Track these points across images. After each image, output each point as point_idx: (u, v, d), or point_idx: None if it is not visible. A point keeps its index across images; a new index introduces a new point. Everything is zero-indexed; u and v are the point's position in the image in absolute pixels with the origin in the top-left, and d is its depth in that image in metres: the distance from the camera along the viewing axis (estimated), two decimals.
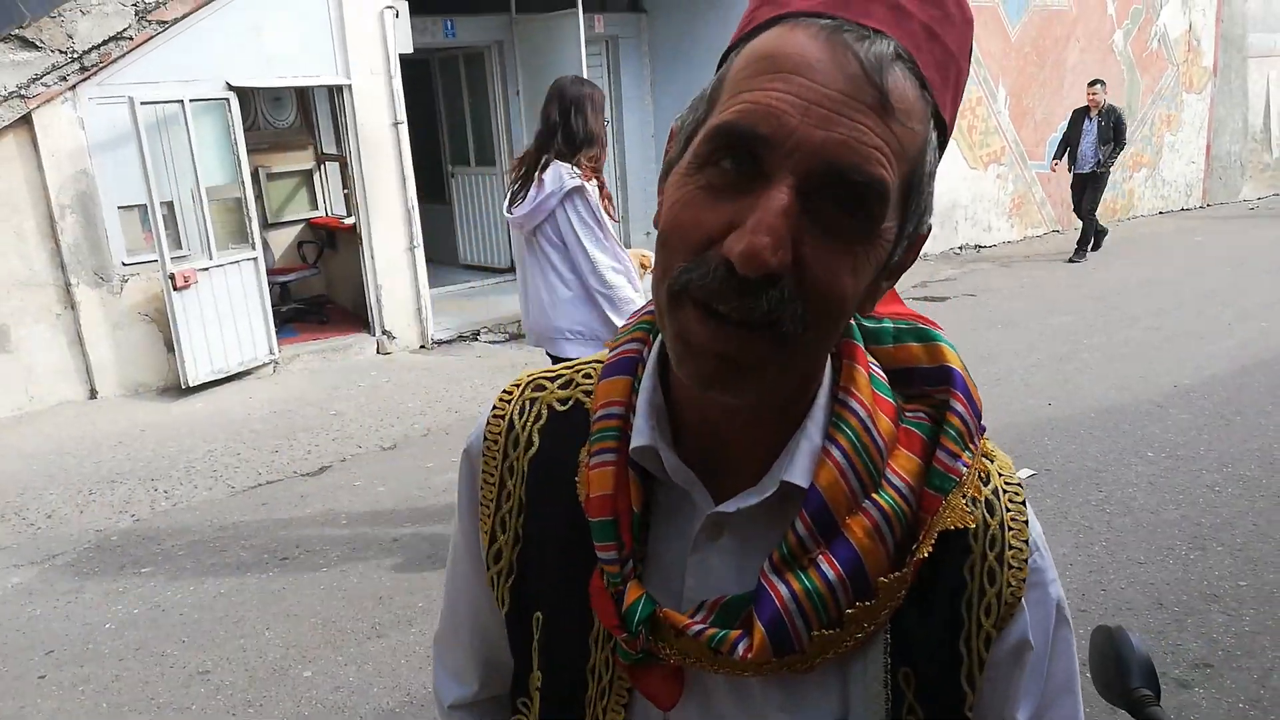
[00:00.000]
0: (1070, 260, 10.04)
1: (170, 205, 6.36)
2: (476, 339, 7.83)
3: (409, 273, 7.59)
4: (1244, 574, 3.60)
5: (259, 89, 7.36)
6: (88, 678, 3.30)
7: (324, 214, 8.95)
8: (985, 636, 0.71)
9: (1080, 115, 9.88)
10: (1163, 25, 12.69)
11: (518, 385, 0.85)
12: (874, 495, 0.68)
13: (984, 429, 0.74)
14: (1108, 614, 3.36)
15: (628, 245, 8.83)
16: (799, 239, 0.58)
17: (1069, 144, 9.99)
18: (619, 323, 3.18)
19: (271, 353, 6.89)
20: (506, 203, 3.64)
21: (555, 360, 3.63)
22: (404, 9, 7.23)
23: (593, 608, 0.74)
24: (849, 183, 0.58)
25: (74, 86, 6.02)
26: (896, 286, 0.73)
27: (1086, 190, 10.01)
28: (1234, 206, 13.80)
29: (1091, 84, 9.86)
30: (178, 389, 6.44)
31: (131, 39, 6.13)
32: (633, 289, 3.56)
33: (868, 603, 0.67)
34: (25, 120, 5.92)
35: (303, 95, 8.63)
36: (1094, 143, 9.74)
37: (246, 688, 3.20)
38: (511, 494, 0.81)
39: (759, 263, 0.57)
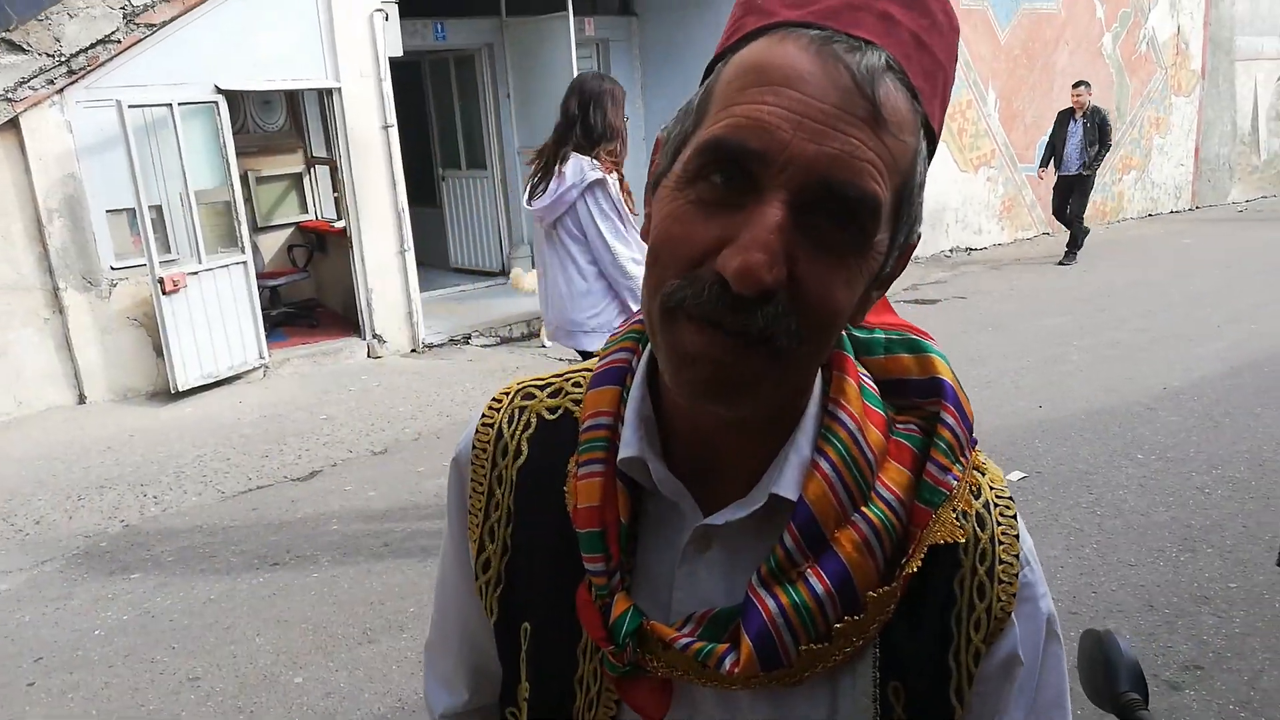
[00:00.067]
0: (1060, 263, 10.07)
1: (159, 209, 6.34)
2: (468, 343, 7.82)
3: (399, 276, 7.57)
4: (1234, 575, 3.61)
5: (248, 92, 7.34)
6: (77, 684, 3.28)
7: (314, 217, 8.92)
8: (975, 651, 0.70)
9: (1065, 117, 9.90)
10: (1151, 28, 12.77)
11: (507, 393, 0.84)
12: (863, 508, 0.68)
13: (975, 442, 0.73)
14: (1098, 616, 3.37)
15: None
16: (793, 254, 0.58)
17: (1054, 146, 10.01)
18: None
19: (261, 357, 6.86)
20: (526, 196, 3.64)
21: (585, 356, 3.62)
22: (394, 12, 7.23)
23: (579, 619, 0.74)
24: (842, 198, 0.58)
25: (61, 90, 6.00)
26: (887, 290, 0.73)
27: (1073, 193, 10.02)
28: (1223, 209, 13.87)
29: (1076, 85, 9.88)
30: (167, 394, 6.41)
31: (119, 42, 6.10)
32: None
33: (856, 617, 0.67)
34: (12, 124, 5.89)
35: (292, 98, 8.61)
36: (1079, 144, 9.76)
37: (237, 694, 3.18)
38: (500, 503, 0.80)
39: (754, 280, 0.56)
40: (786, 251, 0.57)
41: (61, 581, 4.02)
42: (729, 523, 0.69)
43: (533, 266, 9.70)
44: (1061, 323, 7.60)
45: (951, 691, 0.71)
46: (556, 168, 3.53)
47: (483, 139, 9.76)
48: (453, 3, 9.13)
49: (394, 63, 7.34)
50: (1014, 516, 0.74)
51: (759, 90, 0.59)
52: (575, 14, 8.66)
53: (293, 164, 8.82)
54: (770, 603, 0.66)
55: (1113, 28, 12.27)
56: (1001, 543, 0.72)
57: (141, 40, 6.19)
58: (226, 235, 6.74)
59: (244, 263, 6.73)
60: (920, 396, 0.73)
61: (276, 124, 8.69)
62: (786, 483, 0.68)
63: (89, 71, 6.05)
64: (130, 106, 5.92)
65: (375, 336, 7.49)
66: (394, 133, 7.35)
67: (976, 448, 0.74)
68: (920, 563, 0.68)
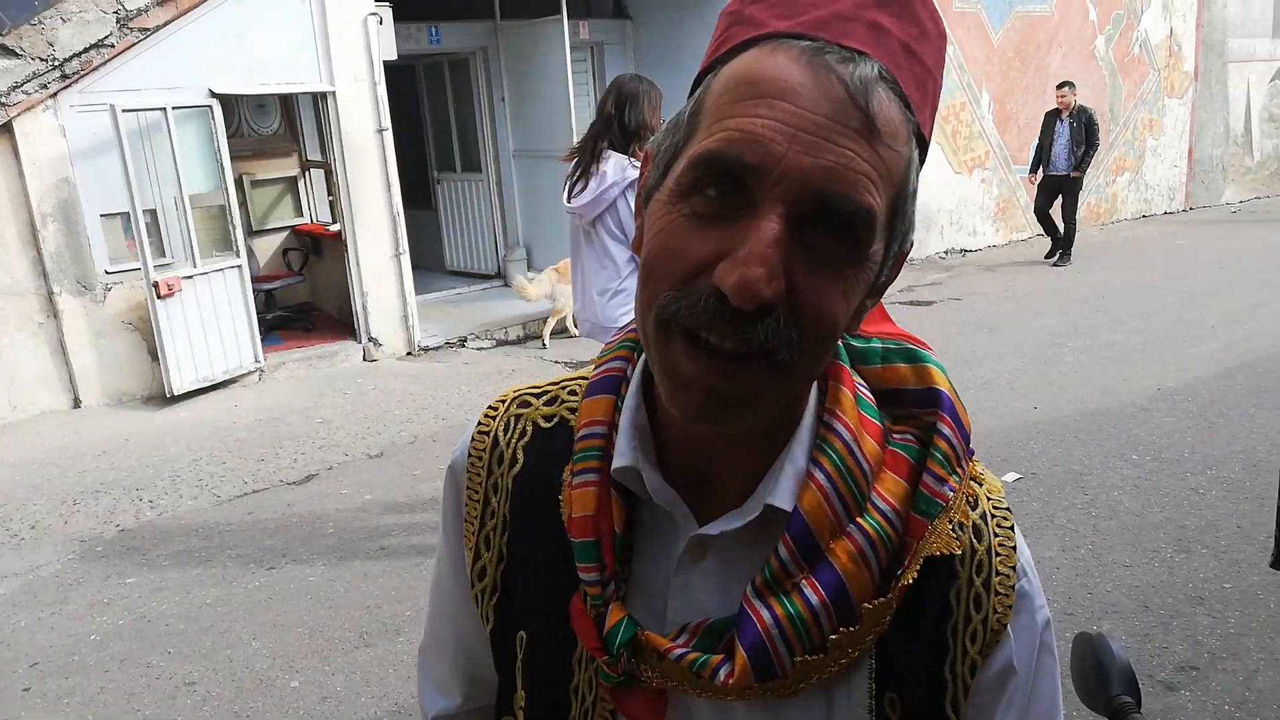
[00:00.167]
0: (1055, 264, 10.10)
1: (153, 213, 6.32)
2: (464, 345, 7.82)
3: (395, 279, 7.57)
4: (1229, 576, 3.62)
5: (242, 96, 7.33)
6: (73, 689, 3.27)
7: (309, 221, 8.91)
8: (971, 663, 0.70)
9: (1052, 118, 9.92)
10: (1144, 31, 12.80)
11: (503, 401, 0.84)
12: (859, 519, 0.67)
13: (972, 452, 0.73)
14: (1094, 617, 3.38)
15: None
16: (790, 266, 0.58)
17: (1042, 147, 10.02)
18: None
19: (257, 361, 6.85)
20: (566, 194, 3.65)
21: None
22: (388, 16, 7.22)
23: (574, 629, 0.74)
24: (837, 211, 0.58)
25: (55, 94, 5.99)
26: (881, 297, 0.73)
27: (1062, 195, 10.02)
28: (1216, 210, 13.91)
29: (1060, 86, 9.89)
30: (162, 398, 6.40)
31: (113, 46, 6.10)
32: None
33: (852, 628, 0.67)
34: (6, 128, 5.88)
35: (286, 102, 8.60)
36: (1067, 145, 9.77)
37: (233, 699, 3.18)
38: (495, 511, 0.80)
39: (753, 294, 0.56)
40: (784, 264, 0.57)
41: (57, 586, 4.01)
42: (724, 533, 0.69)
43: (529, 269, 9.73)
44: (1056, 324, 7.62)
45: (947, 703, 0.71)
46: (595, 166, 3.54)
47: (477, 142, 9.76)
48: (447, 6, 9.13)
49: (388, 66, 7.33)
50: (1011, 528, 0.74)
51: (752, 103, 0.58)
52: (569, 17, 8.67)
53: (287, 167, 8.82)
54: (765, 614, 0.66)
55: (1105, 30, 12.31)
56: (998, 554, 0.72)
57: (135, 44, 6.18)
58: (221, 239, 6.73)
59: (239, 266, 6.73)
60: (917, 407, 0.73)
61: (271, 128, 8.68)
62: (781, 493, 0.68)
63: (82, 75, 6.04)
64: (124, 110, 5.91)
65: (371, 340, 7.49)
66: (389, 136, 7.35)
67: (974, 458, 0.74)
68: (916, 574, 0.68)
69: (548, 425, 0.81)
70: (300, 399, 6.49)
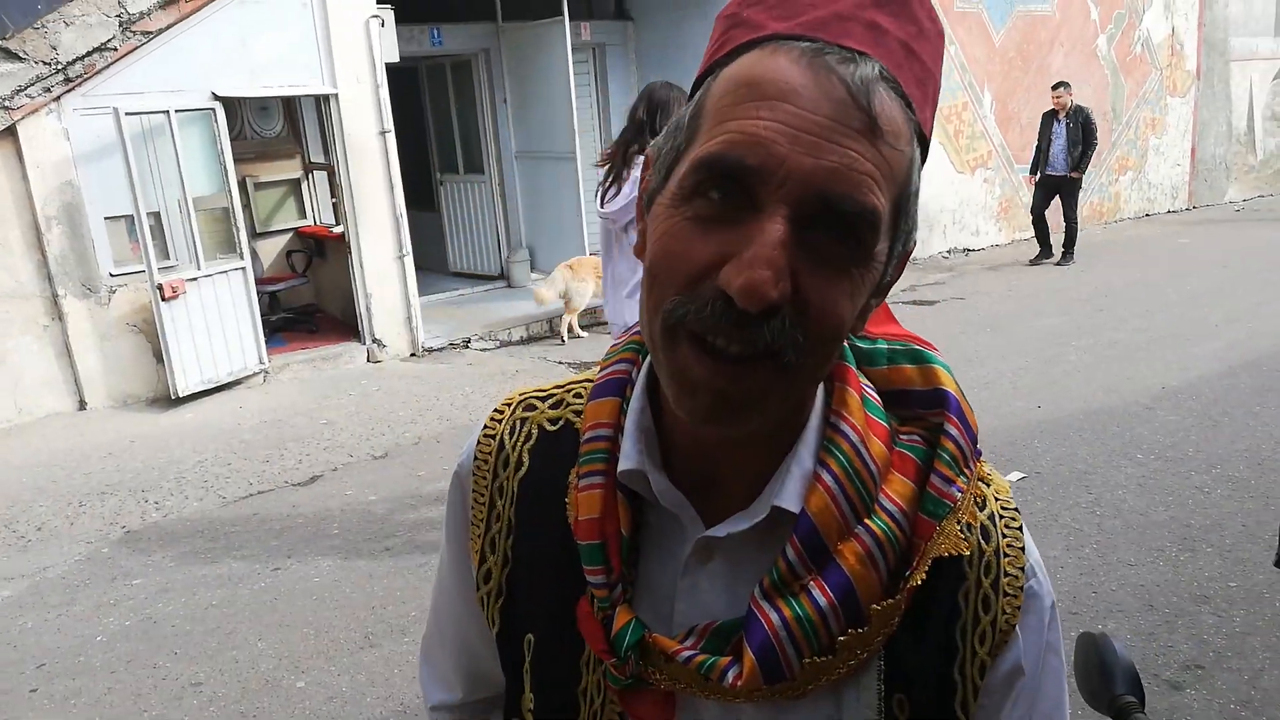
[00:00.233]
0: (1058, 264, 10.09)
1: (157, 216, 6.34)
2: (467, 346, 7.83)
3: (398, 281, 7.58)
4: (1234, 575, 3.62)
5: (245, 98, 7.35)
6: (79, 691, 3.28)
7: (312, 223, 8.93)
8: (980, 664, 0.70)
9: (1049, 118, 9.90)
10: (1146, 30, 12.79)
11: (509, 404, 0.84)
12: (867, 520, 0.67)
13: (979, 453, 0.73)
14: (1099, 616, 3.38)
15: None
16: (795, 268, 0.58)
17: (1040, 148, 9.99)
18: None
19: (261, 362, 6.87)
20: (599, 199, 3.70)
21: None
22: (390, 18, 7.24)
23: (581, 632, 0.74)
24: (840, 213, 0.58)
25: (58, 98, 6.00)
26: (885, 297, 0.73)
27: (1061, 196, 9.99)
28: (1220, 209, 13.90)
29: (1055, 87, 9.86)
30: (167, 400, 6.42)
31: (116, 50, 6.11)
32: None
33: (860, 629, 0.66)
34: (9, 132, 5.90)
35: (289, 104, 8.62)
36: (1064, 146, 9.75)
37: (239, 699, 3.19)
38: (501, 515, 0.80)
39: (760, 296, 0.56)
40: (789, 266, 0.57)
41: (63, 588, 4.03)
42: (731, 535, 0.69)
43: (532, 270, 9.75)
44: (1059, 323, 7.62)
45: (957, 704, 0.70)
46: (626, 172, 3.62)
47: (480, 144, 9.77)
48: (449, 8, 9.15)
49: (390, 68, 7.34)
50: (1019, 528, 0.73)
51: (753, 105, 0.58)
52: (571, 19, 8.68)
53: (291, 170, 8.84)
54: (773, 615, 0.66)
55: (1107, 29, 12.30)
56: (1006, 555, 0.71)
57: (138, 48, 6.19)
58: (225, 241, 6.75)
59: (243, 268, 6.74)
60: (923, 407, 0.73)
61: (274, 130, 8.70)
62: (788, 495, 0.68)
63: (86, 79, 6.06)
64: (127, 114, 5.93)
65: (375, 341, 7.50)
66: (391, 138, 7.36)
67: (981, 458, 0.74)
68: (924, 575, 0.68)
69: (553, 428, 0.81)
70: (305, 400, 6.50)
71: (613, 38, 10.23)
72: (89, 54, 6.03)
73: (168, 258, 6.42)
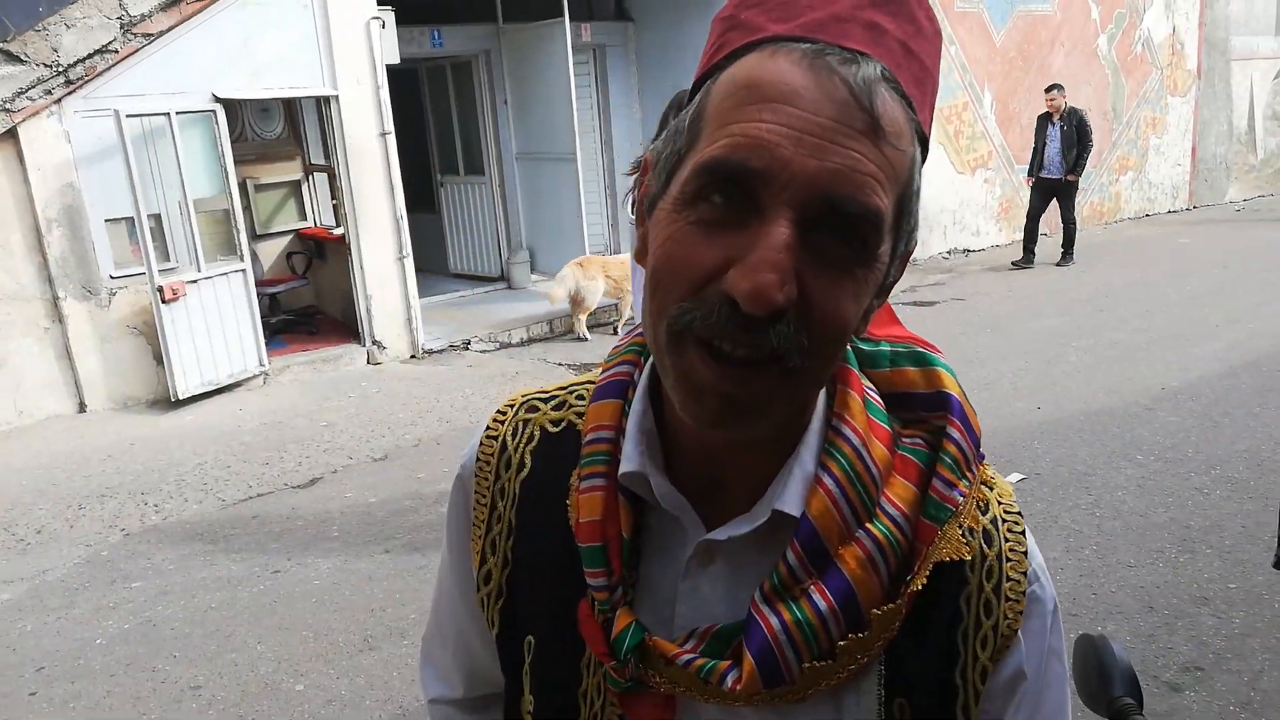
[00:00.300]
0: (1058, 264, 10.08)
1: (158, 218, 6.35)
2: (467, 348, 7.83)
3: (399, 283, 7.58)
4: (1233, 576, 3.62)
5: (246, 100, 7.35)
6: (79, 694, 3.28)
7: (313, 225, 8.94)
8: (981, 669, 0.70)
9: (1043, 121, 9.88)
10: (1146, 29, 12.79)
11: (511, 406, 0.84)
12: (868, 524, 0.67)
13: (982, 456, 0.73)
14: (1098, 618, 3.38)
15: (618, 254, 8.86)
16: (799, 271, 0.57)
17: (1036, 151, 9.98)
18: None
19: (261, 364, 6.87)
20: (630, 205, 3.72)
21: None
22: (391, 20, 7.24)
23: (581, 634, 0.74)
24: (844, 214, 0.57)
25: (59, 100, 6.01)
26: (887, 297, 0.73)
27: (1058, 199, 9.96)
28: (1220, 209, 13.89)
29: (1049, 89, 9.83)
30: (167, 402, 6.42)
31: (116, 52, 6.12)
32: None
33: (860, 634, 0.66)
34: (10, 134, 5.90)
35: (290, 106, 8.62)
36: (1059, 149, 9.72)
37: (238, 702, 3.19)
38: (502, 516, 0.80)
39: (766, 301, 0.56)
40: (794, 269, 0.57)
41: (63, 590, 4.03)
42: (732, 538, 0.69)
43: (532, 271, 9.75)
44: (1059, 324, 7.61)
45: (958, 709, 0.70)
46: None
47: (480, 145, 9.78)
48: (449, 10, 9.15)
49: (391, 70, 7.35)
50: (1022, 532, 0.73)
51: (755, 108, 0.58)
52: (571, 20, 8.69)
53: (291, 171, 8.84)
54: (773, 619, 0.66)
55: (1108, 29, 12.30)
56: (1009, 559, 0.71)
57: (139, 50, 6.20)
58: (225, 243, 6.75)
59: (243, 270, 6.74)
60: (926, 410, 0.73)
61: (274, 132, 8.70)
62: (790, 498, 0.67)
63: (87, 81, 6.06)
64: (128, 116, 5.93)
65: (375, 343, 7.50)
66: (392, 139, 7.36)
67: (984, 462, 0.74)
68: (925, 580, 0.67)
69: (555, 430, 0.81)
70: (305, 402, 6.50)
71: (613, 39, 10.24)
72: (90, 56, 6.03)
73: (168, 260, 6.42)
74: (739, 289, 0.56)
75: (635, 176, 3.72)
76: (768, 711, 0.69)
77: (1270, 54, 14.50)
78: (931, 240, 10.85)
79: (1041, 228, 10.41)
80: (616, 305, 8.15)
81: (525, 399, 0.84)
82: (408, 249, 7.61)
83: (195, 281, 6.41)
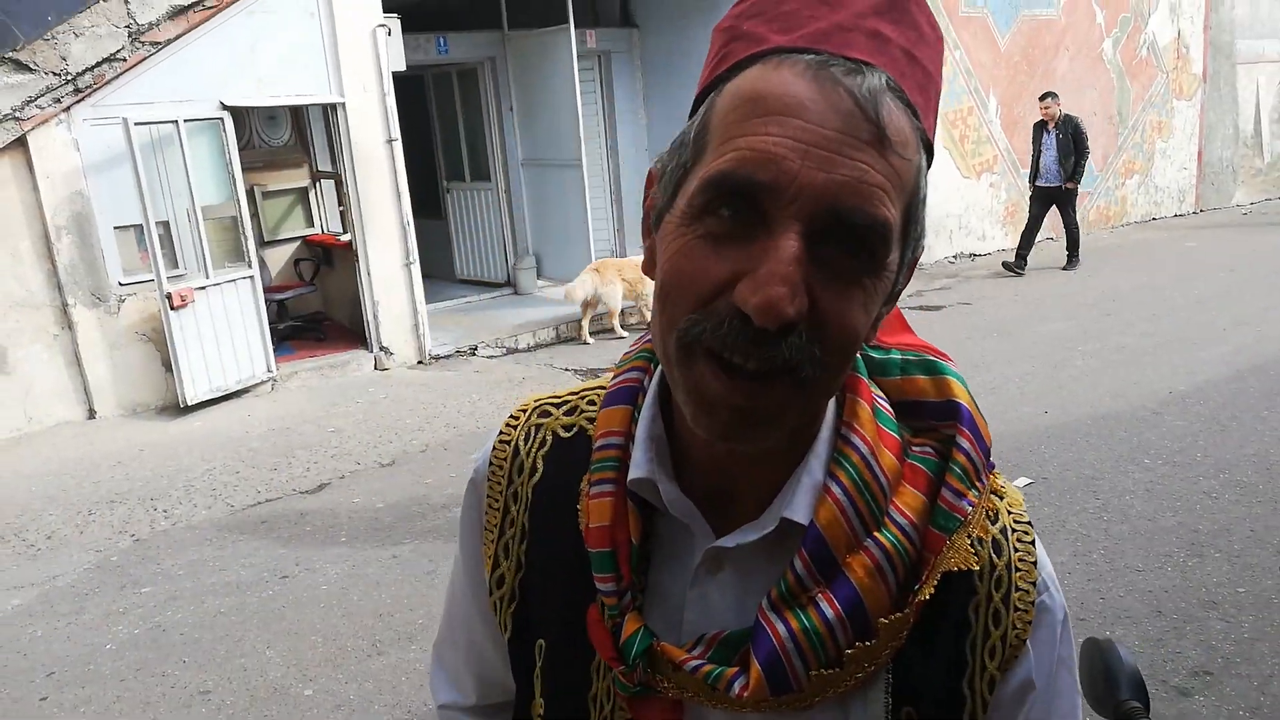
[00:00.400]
0: (1064, 268, 10.07)
1: (166, 225, 6.39)
2: (474, 354, 7.85)
3: (405, 289, 7.61)
4: (1242, 580, 3.61)
5: (253, 108, 7.39)
6: (89, 699, 3.29)
7: (320, 231, 8.97)
8: (989, 679, 0.70)
9: (1039, 130, 9.84)
10: (1151, 33, 12.78)
11: (524, 410, 0.85)
12: (876, 533, 0.67)
13: (992, 465, 0.73)
14: (1107, 623, 3.37)
15: (624, 257, 8.89)
16: (809, 282, 0.57)
17: (1034, 159, 9.95)
18: None
19: (269, 370, 6.89)
20: None
21: None
22: (396, 27, 7.28)
23: (590, 638, 0.74)
24: (852, 226, 0.58)
25: (68, 108, 6.05)
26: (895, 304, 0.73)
27: (1057, 206, 9.91)
28: (1227, 212, 13.86)
29: (1042, 97, 9.79)
30: (176, 408, 6.44)
31: (125, 60, 6.15)
32: None
33: (868, 643, 0.66)
34: (20, 142, 5.94)
35: (297, 113, 8.66)
36: (1055, 156, 9.68)
37: (248, 707, 3.20)
38: (515, 520, 0.81)
39: (777, 314, 0.56)
40: (803, 281, 0.57)
41: (73, 596, 4.04)
42: (740, 545, 0.69)
43: (539, 277, 9.77)
44: (1066, 328, 7.60)
45: (966, 718, 0.70)
46: None
47: (486, 151, 9.81)
48: (455, 17, 9.19)
49: (397, 77, 7.38)
50: (1032, 542, 0.73)
51: (761, 120, 0.58)
52: (576, 26, 8.71)
53: (298, 178, 8.87)
54: (780, 627, 0.66)
55: (1113, 33, 12.29)
56: (1018, 569, 0.71)
57: (147, 58, 6.24)
58: (233, 250, 6.78)
59: (251, 277, 6.77)
60: (936, 419, 0.73)
61: (282, 139, 8.74)
62: (798, 506, 0.68)
63: (95, 90, 6.10)
64: (136, 124, 5.96)
65: (382, 349, 7.52)
66: (398, 146, 7.39)
67: (994, 470, 0.74)
68: (933, 589, 0.67)
69: (567, 435, 0.81)
70: (312, 408, 6.52)
71: (618, 45, 10.26)
72: (98, 65, 6.07)
73: (176, 267, 6.45)
74: (749, 303, 0.57)
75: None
76: (775, 718, 0.70)
77: (1276, 57, 14.47)
78: (937, 245, 10.84)
79: (1045, 233, 10.40)
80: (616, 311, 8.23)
81: (538, 404, 0.85)
82: (414, 255, 7.63)
83: (204, 288, 6.44)
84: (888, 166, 0.58)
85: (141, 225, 6.15)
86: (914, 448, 0.72)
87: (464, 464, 5.24)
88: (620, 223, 10.64)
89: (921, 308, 8.67)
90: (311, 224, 8.98)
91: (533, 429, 0.83)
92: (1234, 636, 3.24)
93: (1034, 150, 9.91)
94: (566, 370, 7.31)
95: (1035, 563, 0.72)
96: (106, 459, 5.67)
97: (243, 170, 6.74)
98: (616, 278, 7.88)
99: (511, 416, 0.85)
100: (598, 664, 0.76)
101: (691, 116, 0.65)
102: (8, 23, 5.82)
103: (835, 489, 0.67)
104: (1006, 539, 0.72)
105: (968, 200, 11.10)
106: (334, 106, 7.09)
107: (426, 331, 7.73)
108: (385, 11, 7.20)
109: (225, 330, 6.57)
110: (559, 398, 0.85)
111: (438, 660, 0.96)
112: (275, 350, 7.04)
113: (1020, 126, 11.44)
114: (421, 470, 5.27)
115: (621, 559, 0.72)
